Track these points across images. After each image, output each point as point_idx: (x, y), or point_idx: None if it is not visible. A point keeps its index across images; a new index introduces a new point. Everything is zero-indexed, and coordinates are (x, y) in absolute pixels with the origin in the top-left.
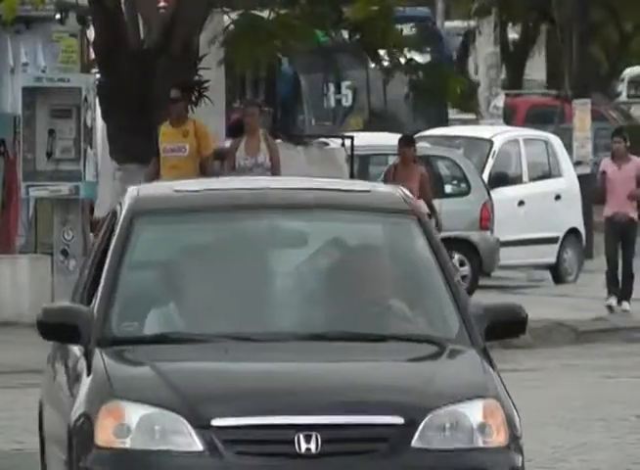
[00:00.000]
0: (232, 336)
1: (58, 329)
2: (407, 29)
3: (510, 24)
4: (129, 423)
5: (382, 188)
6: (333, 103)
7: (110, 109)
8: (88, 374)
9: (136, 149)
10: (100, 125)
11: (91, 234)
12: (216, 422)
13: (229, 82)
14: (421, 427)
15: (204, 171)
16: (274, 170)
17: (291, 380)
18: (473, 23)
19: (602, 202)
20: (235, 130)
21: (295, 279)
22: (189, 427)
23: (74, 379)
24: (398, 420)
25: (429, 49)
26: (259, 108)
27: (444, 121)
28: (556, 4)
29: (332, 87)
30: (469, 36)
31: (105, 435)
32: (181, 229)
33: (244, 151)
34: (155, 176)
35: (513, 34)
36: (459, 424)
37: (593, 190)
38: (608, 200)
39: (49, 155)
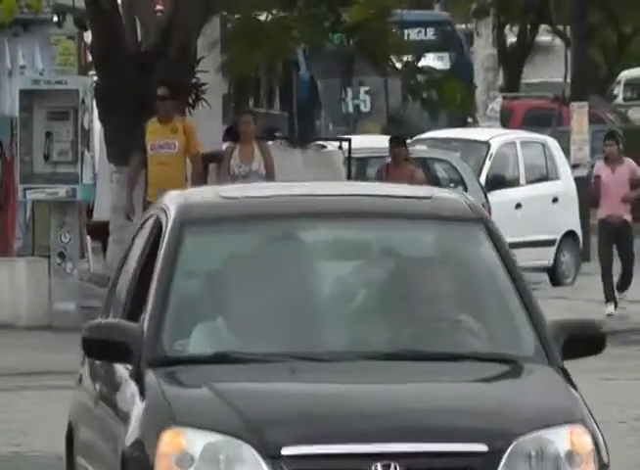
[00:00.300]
0: (293, 355)
1: (105, 347)
2: (428, 33)
3: (508, 27)
4: (192, 452)
5: (444, 194)
6: (351, 108)
7: (107, 111)
8: (142, 397)
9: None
10: (97, 128)
11: (88, 237)
12: (287, 451)
13: (240, 86)
14: (506, 455)
15: (196, 171)
16: (269, 178)
17: (363, 403)
18: (470, 25)
19: (597, 205)
20: (232, 134)
21: (356, 293)
22: (257, 456)
23: (122, 401)
24: (482, 448)
25: (449, 52)
26: (253, 115)
27: (464, 125)
28: (554, 6)
29: (350, 92)
30: (467, 39)
31: (165, 464)
32: (233, 239)
33: (238, 158)
34: (138, 172)
35: (512, 38)
36: (545, 452)
37: (590, 193)
38: (602, 203)
39: (46, 157)
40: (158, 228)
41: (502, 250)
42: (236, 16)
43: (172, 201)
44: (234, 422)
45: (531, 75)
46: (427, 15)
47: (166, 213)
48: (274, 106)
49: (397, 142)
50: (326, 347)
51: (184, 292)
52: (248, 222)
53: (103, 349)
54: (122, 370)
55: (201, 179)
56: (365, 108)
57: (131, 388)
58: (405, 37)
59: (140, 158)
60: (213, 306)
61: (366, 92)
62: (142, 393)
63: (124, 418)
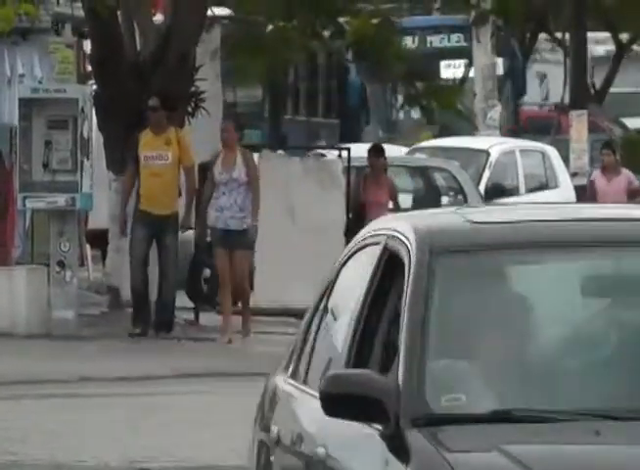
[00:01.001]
0: (591, 412)
1: (352, 404)
2: (453, 39)
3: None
4: None
5: None
6: (402, 115)
7: (106, 119)
8: (407, 463)
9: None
10: (95, 136)
11: (88, 245)
12: None
13: (276, 94)
14: None
15: (191, 183)
16: (251, 186)
17: None
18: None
19: None
20: None
21: None
22: None
23: (371, 468)
24: None
25: (502, 58)
26: (236, 123)
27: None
28: (552, 15)
29: (400, 99)
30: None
31: None
32: (492, 272)
33: (220, 166)
34: (132, 183)
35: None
36: None
37: (586, 199)
38: None
39: (45, 166)
40: (391, 259)
41: None
42: (232, 15)
43: (408, 226)
44: None
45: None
46: (447, 19)
47: (403, 241)
48: (316, 113)
49: (377, 152)
50: (626, 402)
51: (442, 336)
52: (510, 253)
53: (349, 406)
54: (360, 429)
55: (195, 191)
56: (416, 114)
57: (383, 452)
58: (440, 43)
59: (133, 170)
60: (477, 353)
61: None
62: (407, 458)
63: None
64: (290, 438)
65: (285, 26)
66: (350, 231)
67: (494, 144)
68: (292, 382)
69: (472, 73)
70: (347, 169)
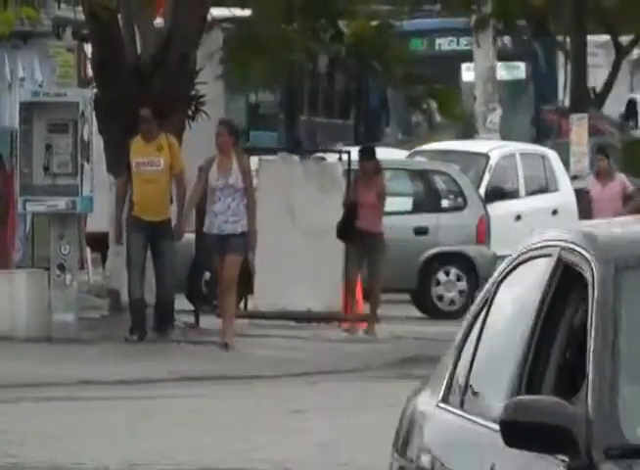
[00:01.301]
0: None
1: (539, 433)
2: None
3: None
4: None
5: None
6: (421, 118)
7: (106, 122)
8: None
9: None
10: (95, 139)
11: (88, 249)
12: None
13: (292, 96)
14: None
15: (181, 190)
16: (247, 192)
17: None
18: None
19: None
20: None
21: None
22: None
23: None
24: None
25: (525, 63)
26: (230, 127)
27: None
28: (552, 18)
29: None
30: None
31: None
32: None
33: (216, 171)
34: (125, 190)
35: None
36: None
37: (581, 208)
38: (595, 219)
39: (46, 169)
40: (567, 272)
41: None
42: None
43: (586, 236)
44: None
45: None
46: (448, 22)
47: (582, 254)
48: (333, 115)
49: (367, 155)
50: None
51: (633, 360)
52: None
53: (533, 435)
54: (541, 461)
55: (185, 198)
56: (436, 118)
57: None
58: (449, 46)
59: (126, 177)
60: None
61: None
62: None
63: None
64: (447, 468)
65: (285, 29)
66: (344, 233)
67: (494, 147)
68: (444, 406)
69: (472, 77)
70: (348, 172)
